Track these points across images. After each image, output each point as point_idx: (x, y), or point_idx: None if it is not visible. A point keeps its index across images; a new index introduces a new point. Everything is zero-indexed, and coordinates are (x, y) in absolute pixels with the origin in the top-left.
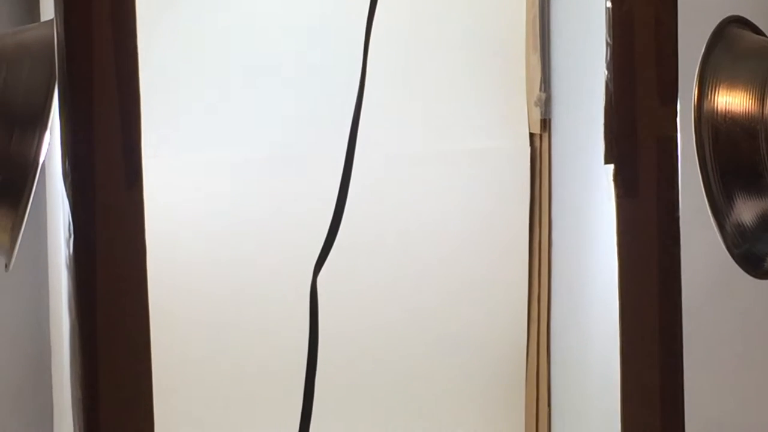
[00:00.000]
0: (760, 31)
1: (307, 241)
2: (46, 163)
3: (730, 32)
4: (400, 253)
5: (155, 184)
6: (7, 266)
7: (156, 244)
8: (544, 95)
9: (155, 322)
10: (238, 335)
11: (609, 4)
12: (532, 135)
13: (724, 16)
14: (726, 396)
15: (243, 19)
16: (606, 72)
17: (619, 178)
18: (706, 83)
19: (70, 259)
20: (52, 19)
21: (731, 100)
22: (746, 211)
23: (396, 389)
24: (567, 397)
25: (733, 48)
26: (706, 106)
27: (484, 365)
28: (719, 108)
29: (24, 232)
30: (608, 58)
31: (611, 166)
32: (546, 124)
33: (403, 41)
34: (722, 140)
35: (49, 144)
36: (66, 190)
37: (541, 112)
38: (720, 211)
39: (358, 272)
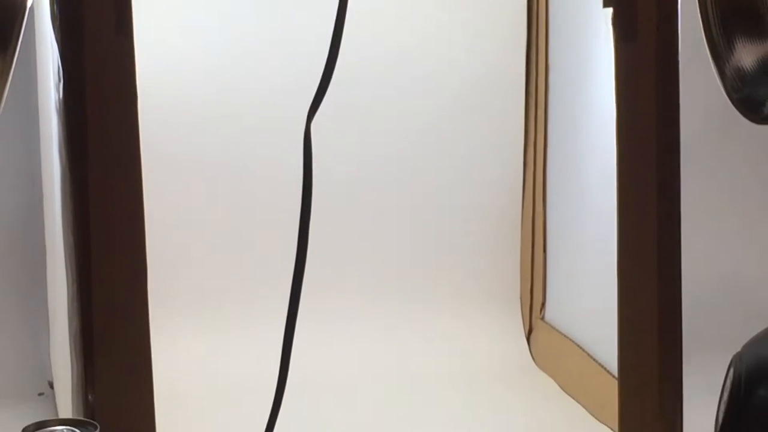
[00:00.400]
0: None
1: (301, 85)
2: (34, 5)
3: None
4: (396, 98)
5: (146, 23)
6: None
7: (147, 84)
8: None
9: (147, 166)
10: (232, 182)
11: None
12: None
13: None
14: (721, 239)
15: None
16: None
17: (617, 22)
18: None
19: (60, 104)
20: None
21: None
22: (746, 55)
23: (390, 233)
24: (562, 243)
25: None
26: None
27: (479, 211)
28: None
29: (13, 77)
30: None
31: (610, 9)
32: None
33: None
34: None
35: None
36: (54, 34)
37: None
38: (720, 55)
39: (354, 115)
